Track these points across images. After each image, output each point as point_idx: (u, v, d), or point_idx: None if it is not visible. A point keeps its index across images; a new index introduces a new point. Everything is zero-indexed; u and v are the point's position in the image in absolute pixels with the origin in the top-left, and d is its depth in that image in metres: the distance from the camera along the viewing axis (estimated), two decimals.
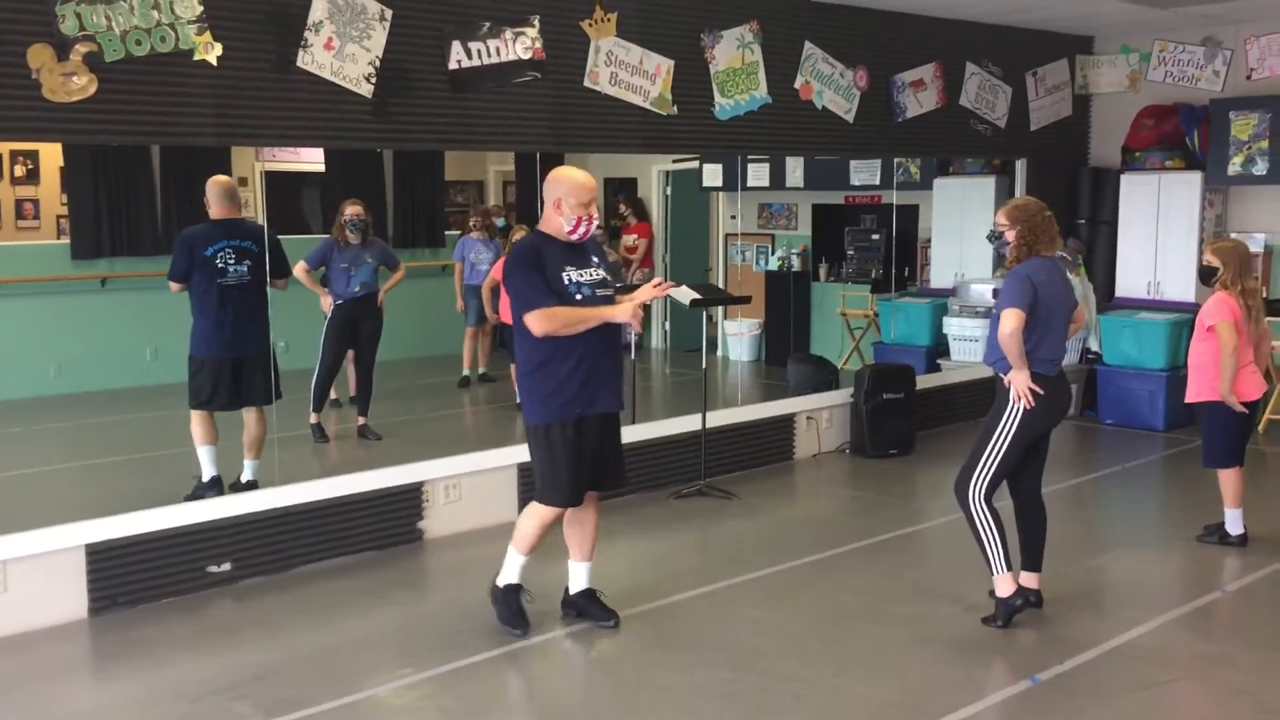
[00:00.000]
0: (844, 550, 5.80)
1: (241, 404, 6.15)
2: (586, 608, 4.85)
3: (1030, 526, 4.87)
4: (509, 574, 4.75)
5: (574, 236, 4.55)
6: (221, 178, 6.30)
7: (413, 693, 4.23)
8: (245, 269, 6.03)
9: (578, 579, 4.88)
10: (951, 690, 4.17)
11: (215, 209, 6.10)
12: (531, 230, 4.74)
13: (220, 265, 5.98)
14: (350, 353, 7.80)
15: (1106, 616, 4.91)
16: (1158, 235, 8.73)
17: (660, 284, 4.77)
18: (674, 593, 5.18)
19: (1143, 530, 6.31)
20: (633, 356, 8.50)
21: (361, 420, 7.75)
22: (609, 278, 4.66)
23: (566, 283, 4.49)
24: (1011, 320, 4.51)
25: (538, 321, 4.41)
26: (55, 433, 8.24)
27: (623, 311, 4.49)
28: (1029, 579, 4.82)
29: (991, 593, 4.79)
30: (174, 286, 6.08)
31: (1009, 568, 4.71)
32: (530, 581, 4.79)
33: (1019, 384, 4.60)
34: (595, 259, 4.66)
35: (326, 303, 7.53)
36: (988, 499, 4.70)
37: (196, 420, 6.10)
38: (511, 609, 4.74)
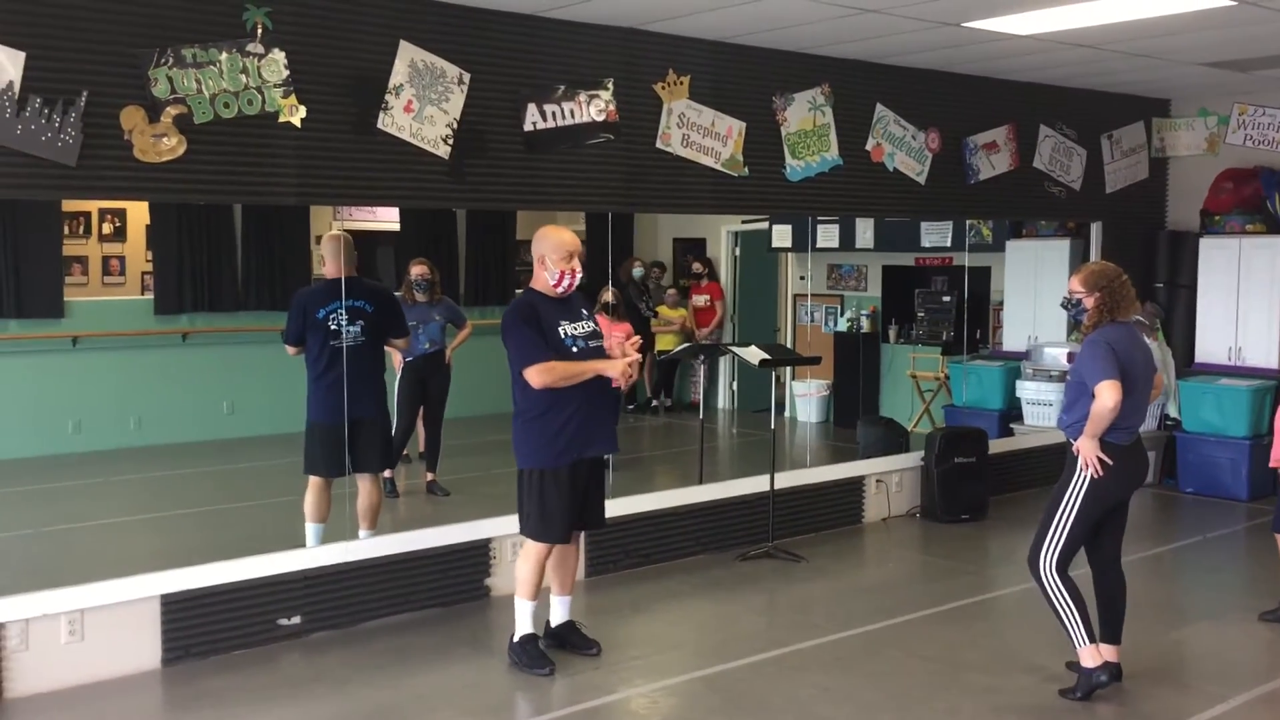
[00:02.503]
0: (915, 616, 5.69)
1: (355, 469, 5.98)
2: (568, 638, 5.08)
3: (1108, 597, 4.71)
4: (522, 626, 4.96)
5: (559, 290, 4.89)
6: (336, 233, 6.18)
7: None
8: (359, 329, 5.91)
9: (558, 612, 5.12)
10: None
11: (331, 267, 5.96)
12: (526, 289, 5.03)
13: (333, 327, 5.86)
14: (420, 409, 7.87)
15: (1188, 691, 4.75)
16: (1238, 300, 8.56)
17: (631, 339, 4.93)
18: (740, 656, 5.11)
19: (1225, 603, 6.11)
20: (700, 416, 8.48)
21: (430, 476, 7.82)
22: (598, 328, 4.97)
23: (562, 336, 4.82)
24: (1113, 394, 4.36)
25: (537, 375, 4.71)
26: (134, 484, 8.41)
27: (614, 367, 4.78)
28: (1108, 651, 4.66)
29: (1071, 664, 4.66)
30: (290, 350, 5.97)
31: (1091, 640, 4.56)
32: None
33: (1087, 452, 4.48)
34: (584, 311, 5.01)
35: (397, 360, 7.58)
36: (1059, 570, 4.55)
37: (313, 490, 5.94)
38: (530, 654, 4.92)
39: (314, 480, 5.95)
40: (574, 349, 4.82)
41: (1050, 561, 4.55)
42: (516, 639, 4.98)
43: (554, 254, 4.86)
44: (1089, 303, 4.58)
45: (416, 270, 7.77)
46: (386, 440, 6.13)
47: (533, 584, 4.92)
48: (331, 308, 5.88)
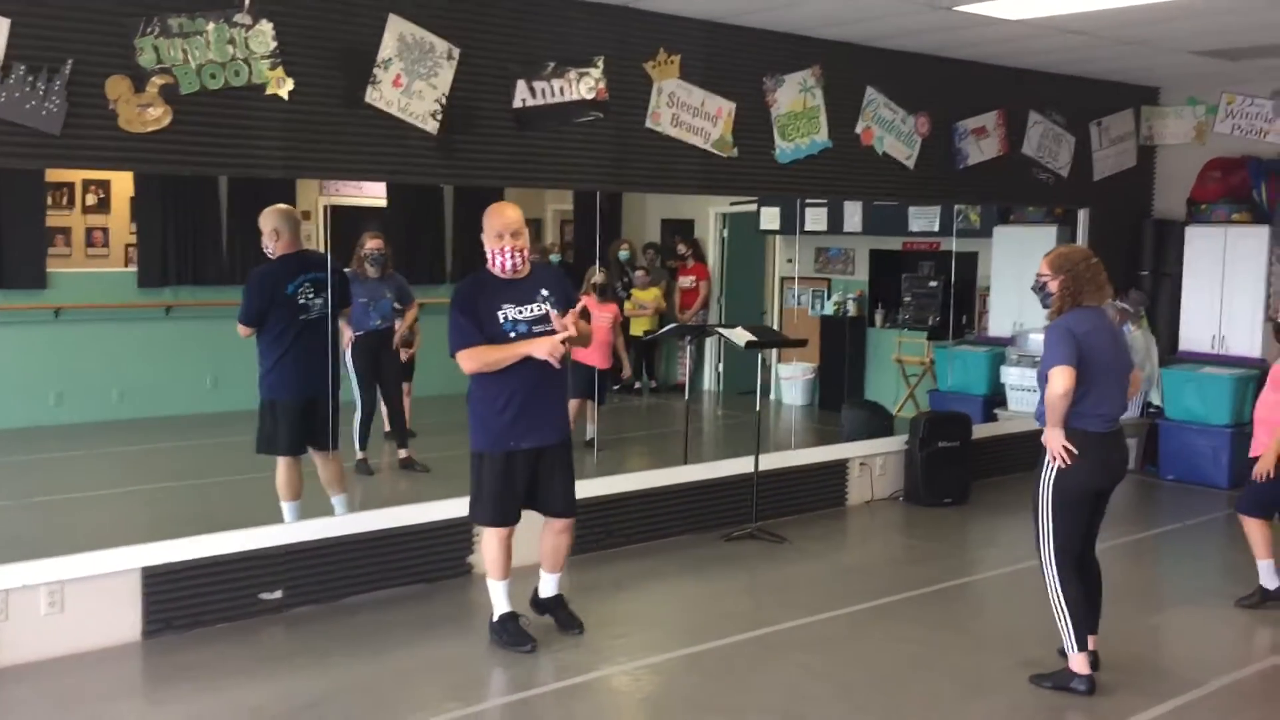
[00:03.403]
0: (897, 598, 5.72)
1: (308, 447, 5.93)
2: (555, 611, 5.10)
3: (1084, 587, 4.60)
4: (498, 605, 4.98)
5: (496, 270, 4.80)
6: (285, 206, 6.03)
7: None
8: (322, 301, 5.82)
9: (546, 586, 5.15)
10: None
11: (286, 241, 5.80)
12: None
13: (302, 302, 5.77)
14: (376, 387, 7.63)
15: (1165, 677, 4.79)
16: (1223, 289, 8.59)
17: (570, 318, 4.74)
18: (723, 635, 5.13)
19: (1204, 589, 6.15)
20: (686, 398, 8.49)
21: (403, 453, 7.72)
22: (553, 312, 4.76)
23: (501, 320, 4.74)
24: (1063, 379, 4.30)
25: (463, 360, 4.74)
26: (116, 457, 8.38)
27: (539, 347, 4.66)
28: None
29: (1061, 652, 4.60)
30: (243, 331, 5.73)
31: (1082, 648, 4.48)
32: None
33: (1052, 443, 4.41)
34: (544, 292, 4.83)
35: (347, 337, 7.25)
36: (1060, 568, 4.45)
37: (286, 469, 5.83)
38: (510, 631, 4.93)
39: (283, 460, 5.86)
40: (511, 334, 4.72)
41: (1049, 557, 4.47)
42: (495, 618, 4.99)
43: (487, 234, 4.79)
44: (1053, 286, 4.50)
45: (372, 244, 7.43)
46: (331, 416, 5.97)
47: (497, 564, 4.93)
48: (299, 281, 5.77)
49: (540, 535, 5.09)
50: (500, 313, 4.75)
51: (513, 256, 4.76)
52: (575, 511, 5.06)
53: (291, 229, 5.87)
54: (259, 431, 5.89)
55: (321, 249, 9.55)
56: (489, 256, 4.81)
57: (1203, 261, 8.69)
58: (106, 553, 4.95)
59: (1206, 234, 8.67)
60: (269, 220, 5.85)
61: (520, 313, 4.77)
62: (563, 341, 4.68)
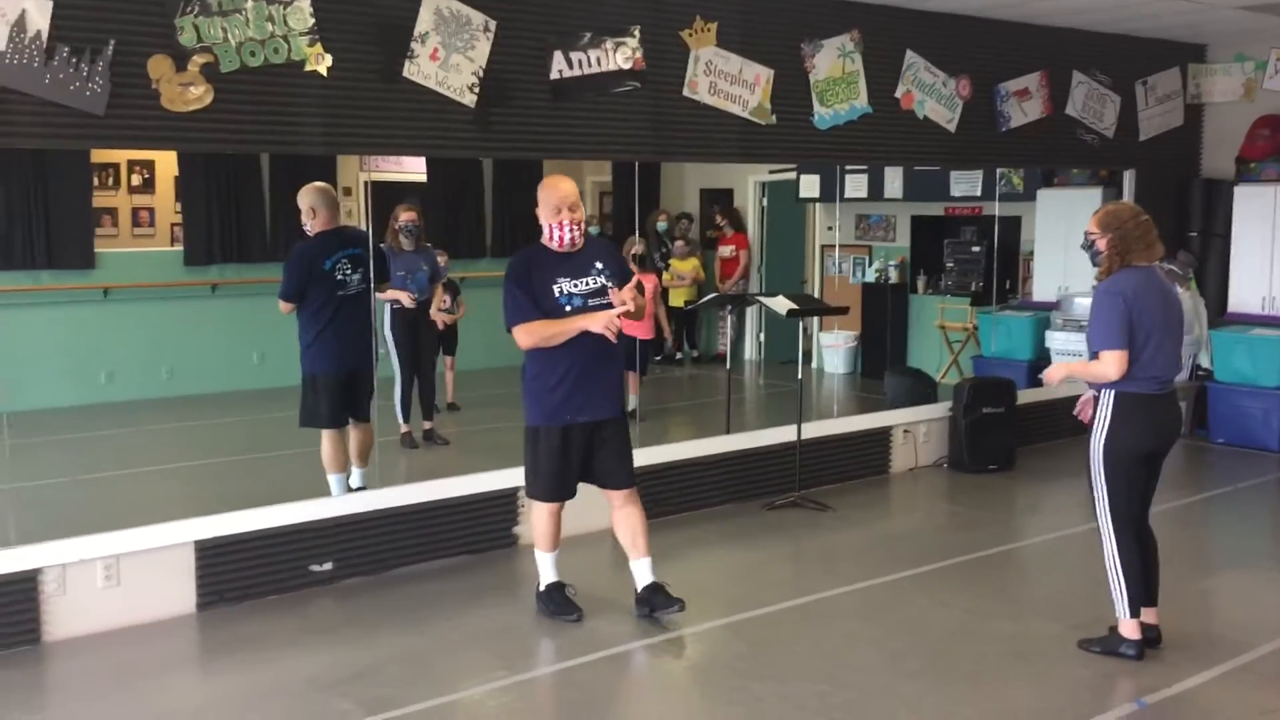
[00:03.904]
0: (942, 565, 5.70)
1: (354, 418, 6.05)
2: (653, 599, 4.90)
3: (1142, 555, 4.52)
4: (545, 575, 5.01)
5: (554, 245, 4.75)
6: (322, 184, 6.10)
7: (506, 696, 4.27)
8: (359, 277, 5.92)
9: (639, 575, 4.94)
10: (1053, 712, 4.08)
11: (324, 218, 5.89)
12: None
13: (339, 278, 5.86)
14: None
15: (1217, 641, 4.74)
16: (1274, 249, 8.44)
17: (628, 292, 4.65)
18: (767, 604, 5.14)
19: (1256, 553, 6.09)
20: (727, 367, 8.50)
21: (427, 425, 7.77)
22: (610, 285, 4.73)
23: (557, 294, 4.70)
24: (1114, 365, 4.25)
25: (520, 335, 4.70)
26: (167, 433, 8.51)
27: (596, 321, 4.63)
28: (1146, 614, 4.53)
29: (1112, 628, 4.55)
30: (284, 307, 5.85)
31: (1134, 614, 4.44)
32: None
33: (1052, 373, 4.55)
34: (599, 265, 4.78)
35: (408, 298, 7.34)
36: (1118, 533, 4.41)
37: (330, 441, 5.93)
38: (556, 601, 4.96)
39: (328, 433, 5.96)
40: (567, 308, 4.69)
41: (1106, 520, 4.43)
42: (541, 588, 5.02)
43: (542, 208, 4.75)
44: (1101, 244, 4.42)
45: (406, 216, 7.48)
46: (372, 388, 6.10)
47: (547, 536, 4.93)
48: (337, 258, 5.87)
49: (611, 519, 4.96)
50: (556, 286, 4.71)
51: (571, 230, 4.71)
52: (634, 481, 4.95)
53: (328, 206, 5.94)
54: (302, 405, 5.99)
55: (363, 225, 9.63)
56: (546, 231, 4.76)
57: (1252, 221, 8.53)
58: (160, 527, 5.04)
59: (1256, 193, 8.52)
60: (306, 198, 5.95)
61: (576, 286, 4.73)
62: (619, 315, 4.63)
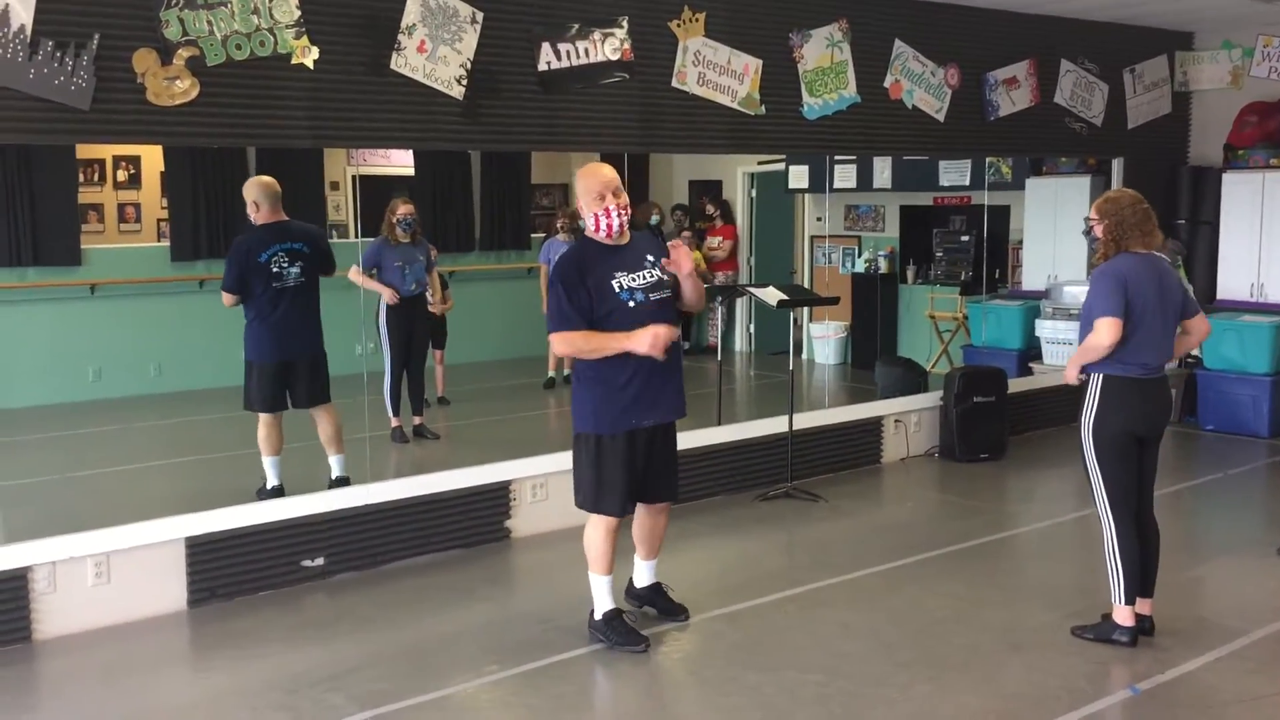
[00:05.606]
0: (934, 555, 5.71)
1: (308, 404, 6.14)
2: (654, 600, 4.86)
3: (1140, 547, 4.53)
4: (601, 602, 4.61)
5: (600, 236, 4.40)
6: (265, 178, 6.16)
7: (499, 690, 4.26)
8: (298, 270, 5.99)
9: (642, 575, 4.89)
10: (1047, 699, 4.08)
11: (265, 211, 5.96)
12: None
13: (276, 270, 5.93)
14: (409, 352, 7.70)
15: (1209, 627, 4.76)
16: (1261, 235, 8.47)
17: (684, 250, 4.39)
18: (761, 594, 5.14)
19: (1244, 539, 6.11)
20: (718, 359, 8.49)
21: (417, 420, 7.77)
22: (665, 277, 4.43)
23: (617, 290, 4.34)
24: (1108, 333, 4.29)
25: (558, 344, 4.40)
26: (156, 430, 8.47)
27: (640, 341, 4.26)
28: (1140, 604, 4.54)
29: (1106, 616, 4.58)
30: (226, 299, 5.96)
31: (1129, 601, 4.45)
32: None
33: (1070, 369, 4.53)
34: (650, 258, 4.44)
35: (390, 294, 7.40)
36: (1118, 521, 4.43)
37: (265, 426, 6.07)
38: (619, 630, 4.57)
39: (263, 416, 6.09)
40: (630, 303, 4.33)
41: (1104, 507, 4.46)
42: (599, 616, 4.60)
43: (584, 197, 4.38)
44: (1099, 230, 4.46)
45: (403, 209, 7.54)
46: (327, 374, 6.17)
47: (605, 558, 4.54)
48: (273, 251, 5.95)
49: (635, 517, 4.73)
50: (614, 282, 4.34)
51: (619, 215, 4.34)
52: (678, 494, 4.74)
53: (270, 200, 6.02)
54: (244, 389, 6.13)
55: (350, 219, 9.60)
56: (591, 222, 4.37)
57: (1240, 208, 8.56)
58: (150, 524, 5.02)
59: (1244, 180, 8.54)
60: (250, 192, 6.06)
61: (634, 280, 4.36)
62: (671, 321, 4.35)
